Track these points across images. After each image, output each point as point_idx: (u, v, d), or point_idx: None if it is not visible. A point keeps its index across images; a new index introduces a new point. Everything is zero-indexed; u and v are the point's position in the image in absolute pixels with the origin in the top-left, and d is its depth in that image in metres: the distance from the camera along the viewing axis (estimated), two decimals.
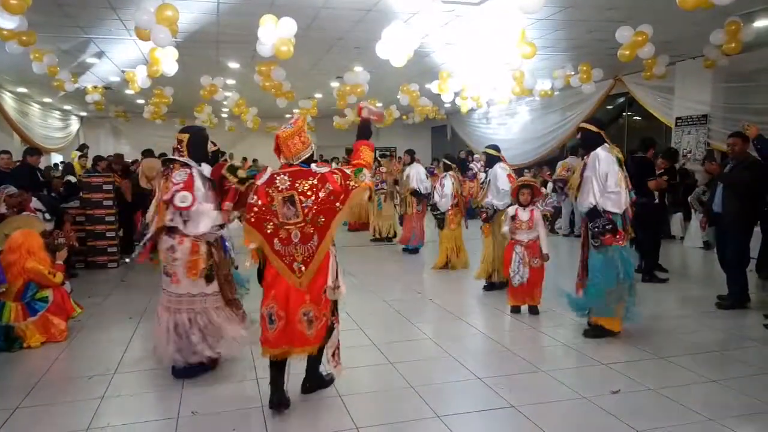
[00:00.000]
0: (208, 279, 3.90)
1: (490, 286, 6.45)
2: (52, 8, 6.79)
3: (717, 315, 5.45)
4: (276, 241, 3.34)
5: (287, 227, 3.32)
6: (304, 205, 3.30)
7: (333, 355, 3.57)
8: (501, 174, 6.21)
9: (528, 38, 7.23)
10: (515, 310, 5.54)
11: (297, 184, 3.32)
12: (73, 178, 9.75)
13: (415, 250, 9.08)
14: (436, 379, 3.97)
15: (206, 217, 3.86)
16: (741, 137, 5.70)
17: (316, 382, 3.72)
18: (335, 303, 3.54)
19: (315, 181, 3.33)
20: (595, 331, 4.74)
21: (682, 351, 4.40)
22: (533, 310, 5.49)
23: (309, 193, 3.31)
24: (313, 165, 3.46)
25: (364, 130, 3.64)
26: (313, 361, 3.65)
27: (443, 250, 7.75)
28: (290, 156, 3.42)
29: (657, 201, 6.64)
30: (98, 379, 4.02)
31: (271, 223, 3.33)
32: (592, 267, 4.68)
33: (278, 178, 3.36)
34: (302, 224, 3.31)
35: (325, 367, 3.69)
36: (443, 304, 6.00)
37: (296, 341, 3.38)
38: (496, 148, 6.52)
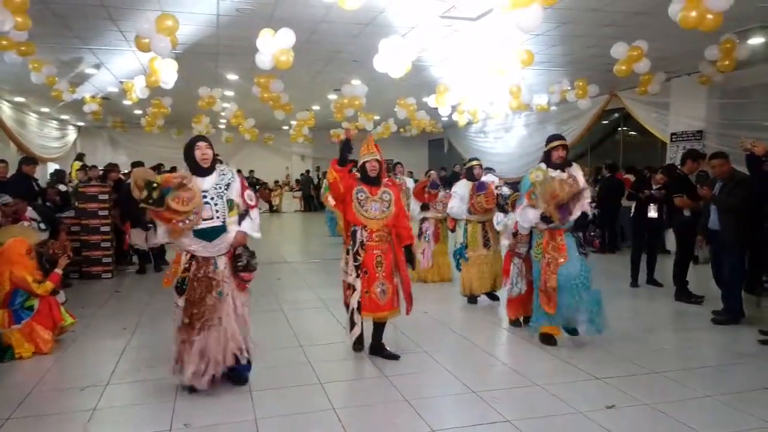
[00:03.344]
0: (178, 291, 3.79)
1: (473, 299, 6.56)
2: (51, 19, 6.82)
3: (712, 330, 5.45)
4: None
5: None
6: None
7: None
8: None
9: (525, 51, 7.30)
10: (514, 323, 5.53)
11: None
12: (63, 187, 9.72)
13: None
14: (431, 392, 3.95)
15: None
16: (725, 157, 5.73)
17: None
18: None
19: None
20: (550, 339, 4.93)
21: (677, 366, 4.40)
22: (529, 321, 5.48)
23: None
24: None
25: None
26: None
27: (447, 263, 7.72)
28: None
29: (688, 214, 6.58)
30: (91, 390, 3.98)
31: None
32: (586, 278, 4.75)
33: None
34: None
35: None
36: (437, 316, 5.99)
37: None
38: None
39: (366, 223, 4.42)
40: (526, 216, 4.83)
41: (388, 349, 4.64)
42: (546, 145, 4.94)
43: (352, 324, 4.50)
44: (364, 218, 4.42)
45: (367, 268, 4.43)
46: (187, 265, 3.78)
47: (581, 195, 4.65)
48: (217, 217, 3.74)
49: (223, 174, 3.89)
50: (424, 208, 7.63)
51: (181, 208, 3.54)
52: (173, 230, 3.65)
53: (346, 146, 4.45)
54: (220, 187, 3.81)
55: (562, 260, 4.74)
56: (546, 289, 4.79)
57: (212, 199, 3.74)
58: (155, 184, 3.57)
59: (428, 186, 7.63)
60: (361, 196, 4.43)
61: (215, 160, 3.91)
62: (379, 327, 4.62)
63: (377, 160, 4.45)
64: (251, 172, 20.52)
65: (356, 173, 4.58)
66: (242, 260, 3.81)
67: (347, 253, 4.51)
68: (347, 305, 4.53)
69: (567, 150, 4.88)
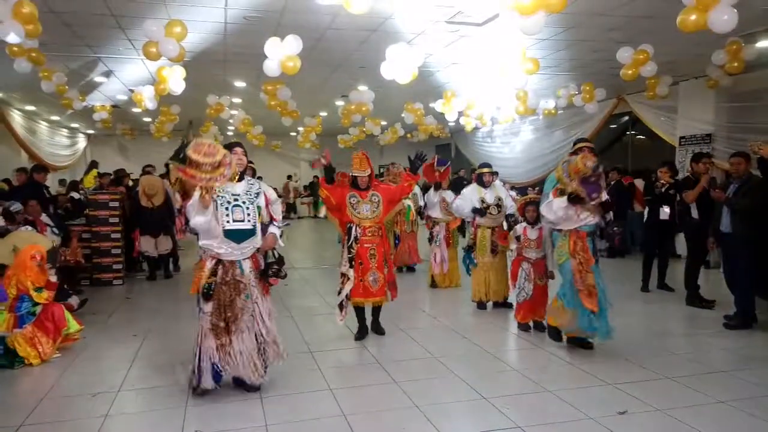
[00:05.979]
0: (205, 297, 3.83)
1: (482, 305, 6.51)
2: (61, 28, 6.89)
3: (724, 335, 5.41)
4: None
5: None
6: None
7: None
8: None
9: (531, 57, 7.30)
10: (523, 327, 5.52)
11: None
12: (76, 195, 9.78)
13: (412, 269, 9.03)
14: (442, 398, 3.94)
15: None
16: (744, 156, 5.70)
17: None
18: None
19: None
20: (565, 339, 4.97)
21: (689, 371, 4.37)
22: (539, 327, 5.47)
23: None
24: None
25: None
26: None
27: (457, 268, 7.72)
28: None
29: (695, 216, 6.53)
30: (102, 396, 4.00)
31: None
32: (600, 282, 4.71)
33: None
34: None
35: None
36: (448, 322, 5.98)
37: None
38: None
39: (359, 222, 5.14)
40: (551, 207, 4.71)
41: (381, 325, 5.48)
42: (573, 146, 4.95)
43: (341, 307, 5.20)
44: (358, 218, 5.13)
45: (362, 260, 5.13)
46: (213, 270, 3.83)
47: (601, 174, 4.57)
48: (248, 220, 3.85)
49: (251, 184, 4.04)
50: (437, 187, 7.62)
51: (201, 158, 3.45)
52: (198, 190, 3.60)
53: (330, 170, 5.23)
54: (251, 194, 3.95)
55: (591, 262, 4.69)
56: (586, 286, 4.64)
57: (244, 203, 3.87)
58: (185, 143, 3.65)
59: (435, 164, 7.64)
60: (354, 200, 5.16)
61: (247, 169, 4.07)
62: (376, 310, 5.44)
63: (368, 175, 5.20)
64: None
65: (347, 182, 5.37)
66: (274, 267, 3.97)
67: (343, 247, 5.22)
68: (339, 291, 5.22)
69: (595, 155, 4.71)
